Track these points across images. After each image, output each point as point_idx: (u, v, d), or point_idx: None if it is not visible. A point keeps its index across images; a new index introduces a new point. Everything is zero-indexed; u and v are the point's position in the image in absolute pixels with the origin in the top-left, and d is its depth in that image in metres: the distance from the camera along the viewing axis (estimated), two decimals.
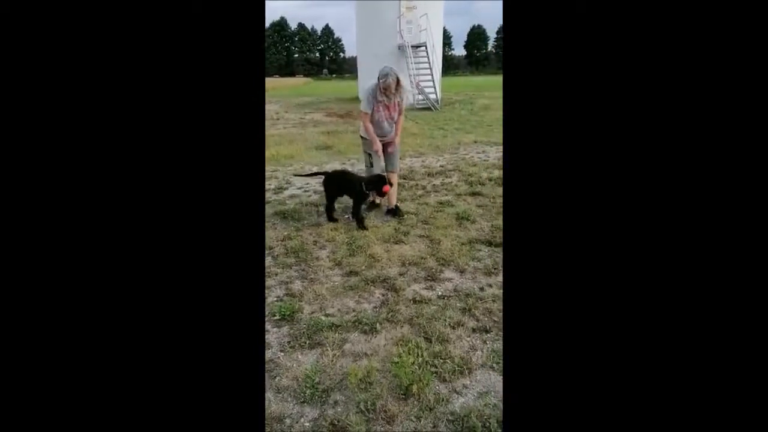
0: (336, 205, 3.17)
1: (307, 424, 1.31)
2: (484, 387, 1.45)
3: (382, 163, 3.10)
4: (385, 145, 3.09)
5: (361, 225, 2.92)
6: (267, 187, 3.97)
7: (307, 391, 1.42)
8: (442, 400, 1.38)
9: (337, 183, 3.06)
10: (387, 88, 2.87)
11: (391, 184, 2.99)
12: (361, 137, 3.16)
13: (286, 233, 2.84)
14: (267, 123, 8.57)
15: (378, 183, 2.92)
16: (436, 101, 11.54)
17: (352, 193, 3.00)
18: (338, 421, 1.29)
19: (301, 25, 64.09)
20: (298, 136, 7.21)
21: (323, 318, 1.86)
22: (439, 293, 2.07)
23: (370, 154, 3.10)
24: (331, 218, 3.05)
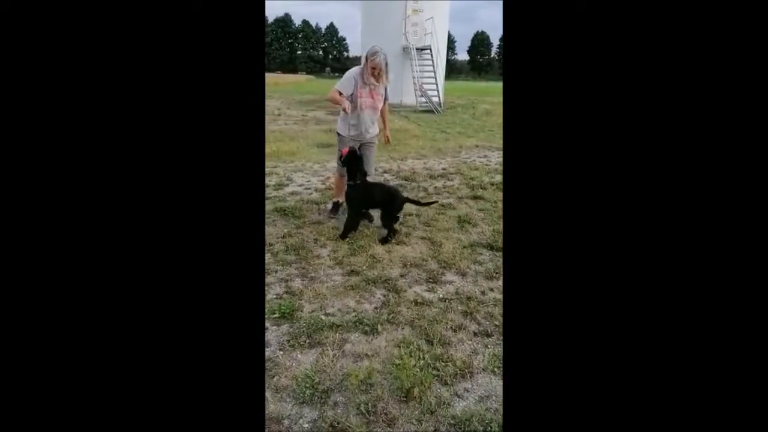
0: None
1: (306, 425, 1.29)
2: (485, 391, 1.43)
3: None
4: (362, 145, 2.80)
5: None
6: (267, 183, 3.94)
7: (307, 392, 1.39)
8: (444, 403, 1.36)
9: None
10: (376, 68, 2.53)
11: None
12: (338, 134, 2.85)
13: (286, 230, 2.81)
14: (268, 119, 8.54)
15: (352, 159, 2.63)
16: (439, 104, 11.54)
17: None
18: (338, 423, 1.27)
19: (305, 22, 64.06)
20: (300, 133, 7.19)
21: (323, 317, 1.84)
22: (441, 296, 2.06)
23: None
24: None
